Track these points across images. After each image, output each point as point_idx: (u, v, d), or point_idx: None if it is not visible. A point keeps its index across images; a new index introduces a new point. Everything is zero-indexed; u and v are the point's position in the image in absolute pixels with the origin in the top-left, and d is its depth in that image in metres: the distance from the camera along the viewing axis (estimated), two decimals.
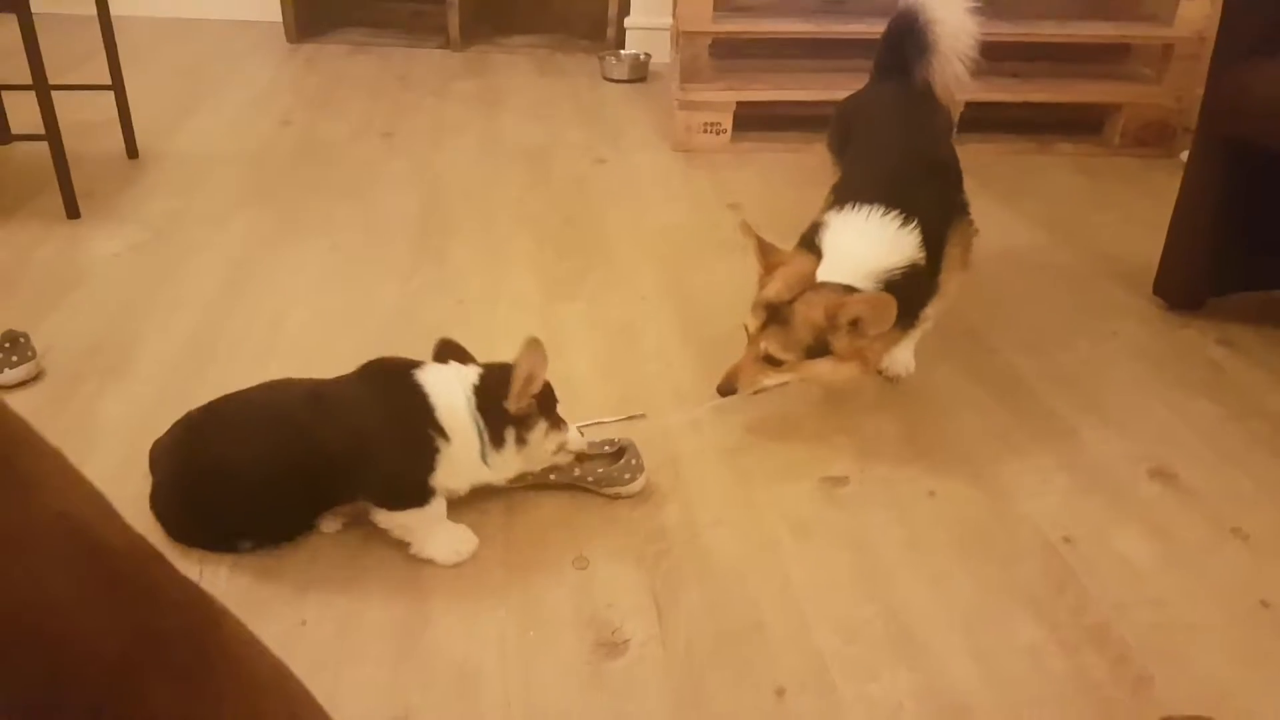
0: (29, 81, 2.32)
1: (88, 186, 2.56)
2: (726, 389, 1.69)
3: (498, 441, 1.44)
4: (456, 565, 1.42)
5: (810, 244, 1.70)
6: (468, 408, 1.42)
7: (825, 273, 1.64)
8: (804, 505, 1.59)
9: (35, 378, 1.80)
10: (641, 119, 3.50)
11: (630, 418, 1.77)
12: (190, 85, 3.63)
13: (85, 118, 2.92)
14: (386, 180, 2.83)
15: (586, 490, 1.57)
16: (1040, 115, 3.32)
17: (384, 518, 1.41)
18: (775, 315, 1.64)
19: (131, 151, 2.87)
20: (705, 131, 3.17)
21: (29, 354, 1.79)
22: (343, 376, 1.47)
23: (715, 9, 3.08)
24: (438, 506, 1.43)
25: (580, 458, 1.57)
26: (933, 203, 1.75)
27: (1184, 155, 2.24)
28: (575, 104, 3.65)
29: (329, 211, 2.60)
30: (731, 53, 3.37)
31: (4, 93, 2.79)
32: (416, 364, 1.46)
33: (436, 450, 1.40)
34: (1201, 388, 1.95)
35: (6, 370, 1.76)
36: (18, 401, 1.72)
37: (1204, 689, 1.28)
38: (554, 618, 1.35)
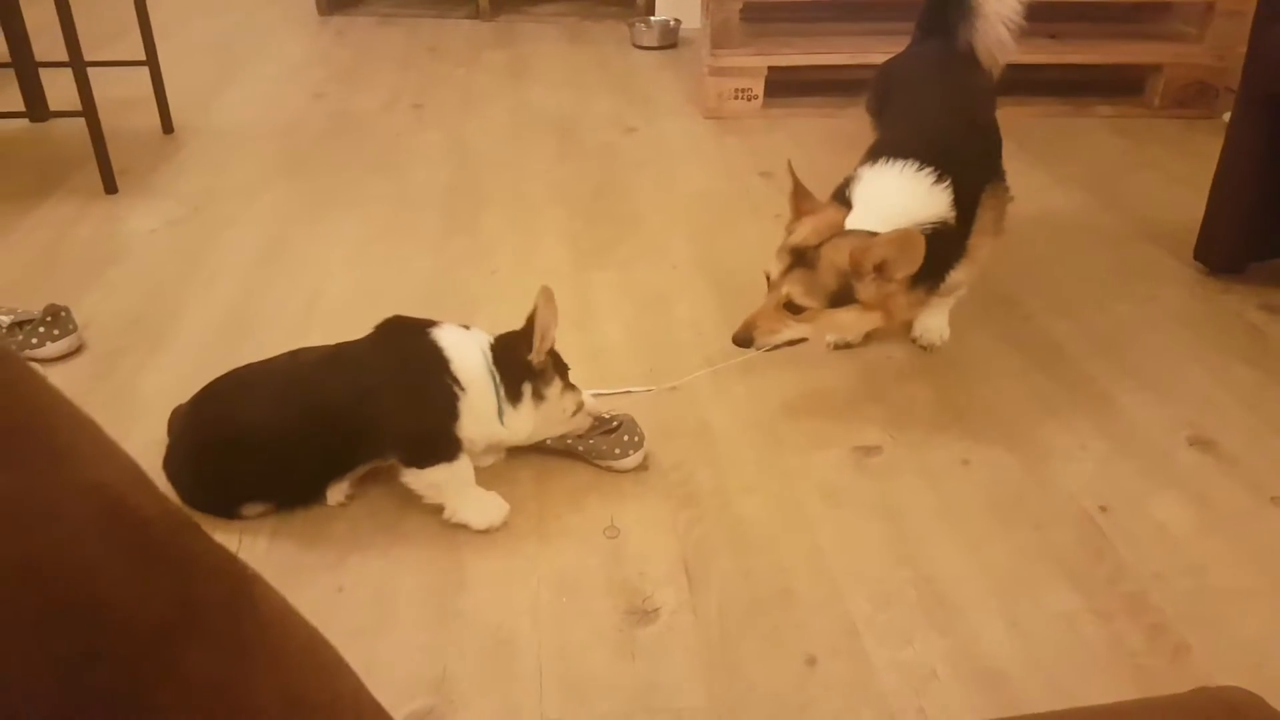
0: (65, 59, 2.35)
1: (124, 162, 2.59)
2: (743, 338, 1.64)
3: (514, 397, 1.45)
4: (489, 532, 1.44)
5: (841, 196, 1.68)
6: (484, 363, 1.44)
7: (853, 222, 1.62)
8: (836, 473, 1.58)
9: (76, 351, 1.83)
10: (672, 86, 3.47)
11: (629, 391, 1.74)
12: (222, 60, 3.65)
13: (120, 94, 2.94)
14: (418, 152, 2.84)
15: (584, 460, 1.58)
16: (1079, 76, 3.24)
17: (413, 477, 1.43)
18: (800, 259, 1.60)
19: (167, 127, 2.90)
20: (736, 98, 3.14)
21: (70, 327, 1.83)
22: (361, 338, 1.48)
23: None
24: (465, 466, 1.44)
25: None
26: (968, 164, 1.72)
27: (1226, 116, 2.18)
28: (605, 72, 3.62)
29: (362, 184, 2.61)
30: (762, 17, 3.33)
31: (41, 70, 2.83)
32: (432, 323, 1.47)
33: (456, 398, 1.41)
34: (1241, 353, 1.91)
35: (49, 344, 1.79)
36: (59, 374, 1.76)
37: (1242, 656, 1.27)
38: (586, 585, 1.36)
